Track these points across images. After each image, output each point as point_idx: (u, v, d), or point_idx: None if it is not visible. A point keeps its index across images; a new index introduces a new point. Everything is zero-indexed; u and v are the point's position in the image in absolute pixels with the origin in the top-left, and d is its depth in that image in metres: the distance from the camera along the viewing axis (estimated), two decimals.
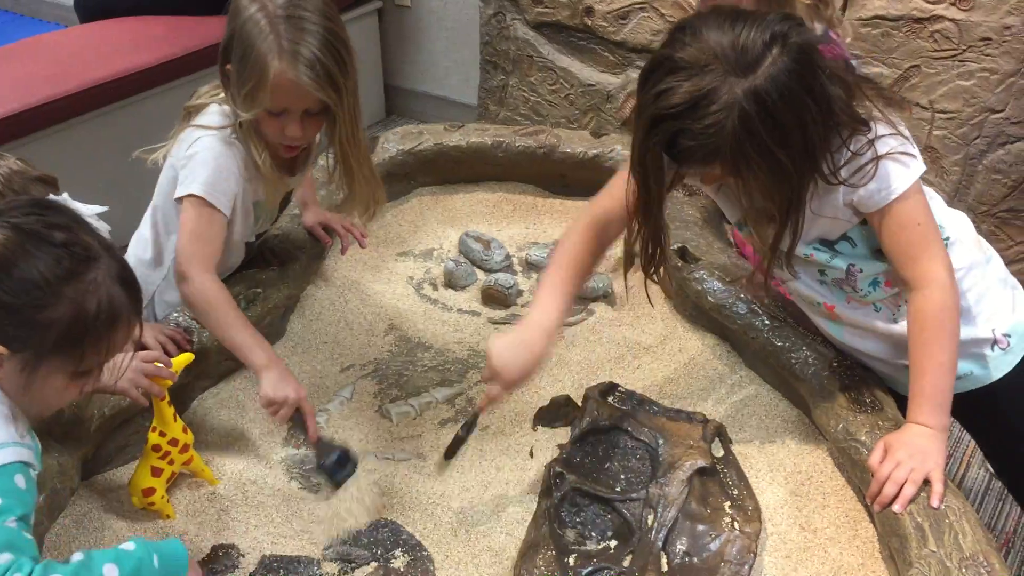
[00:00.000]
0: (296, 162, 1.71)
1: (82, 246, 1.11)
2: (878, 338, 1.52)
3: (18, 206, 1.14)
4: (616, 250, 2.15)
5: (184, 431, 1.46)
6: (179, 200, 1.59)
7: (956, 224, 1.48)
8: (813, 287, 1.51)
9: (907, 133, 1.35)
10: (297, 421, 1.50)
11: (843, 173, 1.31)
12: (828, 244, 1.43)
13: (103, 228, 1.22)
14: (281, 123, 1.55)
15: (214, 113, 1.61)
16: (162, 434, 1.42)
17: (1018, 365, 1.49)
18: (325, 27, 1.50)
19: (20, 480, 1.08)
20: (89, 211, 1.23)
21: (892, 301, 1.46)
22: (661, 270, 1.51)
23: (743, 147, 1.22)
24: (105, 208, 1.26)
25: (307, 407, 1.50)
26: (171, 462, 1.44)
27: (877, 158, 1.31)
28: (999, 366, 1.48)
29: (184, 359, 1.48)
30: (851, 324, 1.54)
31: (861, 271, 1.43)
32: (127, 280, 1.15)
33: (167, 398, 1.43)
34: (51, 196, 1.25)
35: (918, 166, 1.33)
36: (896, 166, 1.32)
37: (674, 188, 1.39)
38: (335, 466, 1.48)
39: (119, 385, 1.39)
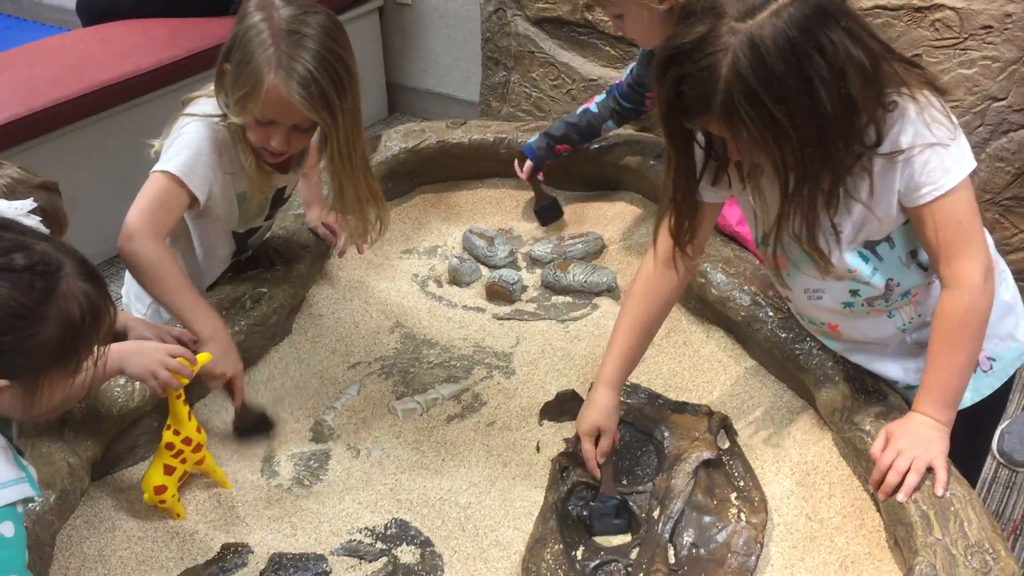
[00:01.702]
0: (290, 160, 1.71)
1: (43, 261, 1.07)
2: (873, 355, 1.52)
3: None
4: (619, 244, 2.16)
5: (198, 430, 1.46)
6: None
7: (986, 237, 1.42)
8: (827, 306, 1.48)
9: (955, 121, 1.28)
10: (226, 389, 1.58)
11: (883, 149, 1.25)
12: (871, 247, 1.38)
13: (35, 222, 1.19)
14: (268, 132, 1.55)
15: (205, 103, 1.62)
16: (176, 432, 1.43)
17: (992, 395, 1.48)
18: (325, 46, 1.49)
19: (7, 528, 1.06)
20: (19, 209, 1.19)
21: (907, 310, 1.45)
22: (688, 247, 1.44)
23: (733, 95, 1.16)
24: (34, 204, 1.22)
25: (239, 382, 1.57)
26: (184, 461, 1.45)
27: (924, 145, 1.25)
28: (978, 388, 1.47)
29: (203, 358, 1.48)
30: (852, 341, 1.53)
31: (899, 284, 1.40)
32: (91, 272, 1.13)
33: (183, 396, 1.44)
34: None
35: (968, 162, 1.27)
36: (945, 160, 1.26)
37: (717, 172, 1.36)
38: (250, 429, 1.62)
39: (140, 372, 1.39)
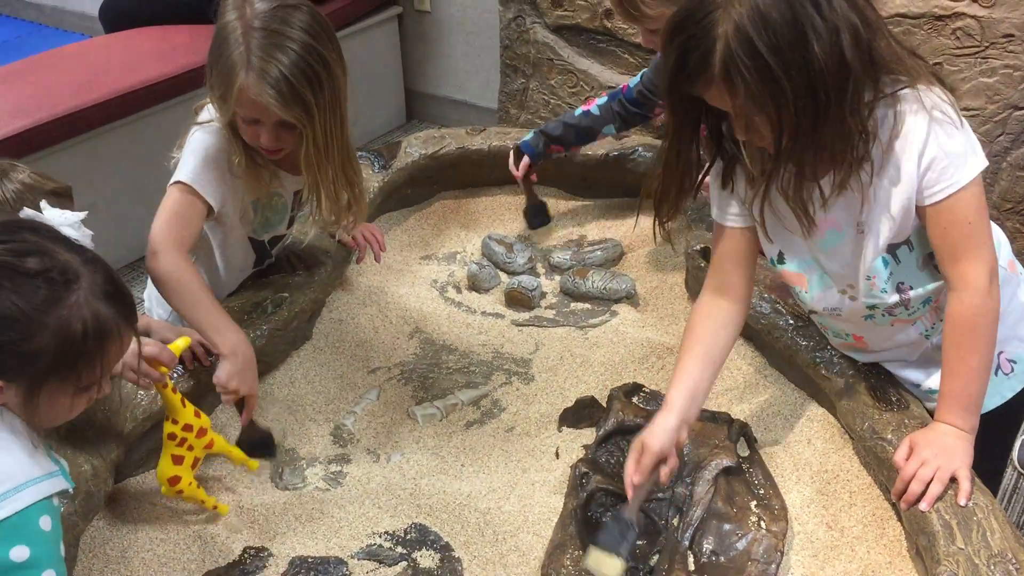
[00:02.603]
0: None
1: (59, 269, 1.06)
2: (896, 363, 1.53)
3: None
4: (638, 251, 2.16)
5: (196, 415, 1.45)
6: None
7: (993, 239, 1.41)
8: (849, 318, 1.48)
9: (962, 118, 1.28)
10: (237, 406, 1.57)
11: (896, 142, 1.26)
12: (892, 250, 1.37)
13: (85, 235, 1.19)
14: (256, 131, 1.54)
15: (210, 109, 1.62)
16: (174, 421, 1.42)
17: (1014, 398, 1.47)
18: (304, 44, 1.47)
19: (45, 522, 1.06)
20: (68, 220, 1.19)
21: (930, 316, 1.45)
22: (669, 222, 1.45)
23: (731, 47, 1.17)
24: (84, 213, 1.22)
25: (252, 402, 1.56)
26: (190, 448, 1.44)
27: (935, 143, 1.25)
28: (1001, 391, 1.46)
29: (182, 343, 1.48)
30: (878, 351, 1.53)
31: (911, 288, 1.39)
32: (113, 292, 1.11)
33: (170, 385, 1.42)
34: (26, 211, 1.20)
35: (978, 160, 1.27)
36: (956, 159, 1.26)
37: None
38: (254, 448, 1.59)
39: (119, 369, 1.36)
